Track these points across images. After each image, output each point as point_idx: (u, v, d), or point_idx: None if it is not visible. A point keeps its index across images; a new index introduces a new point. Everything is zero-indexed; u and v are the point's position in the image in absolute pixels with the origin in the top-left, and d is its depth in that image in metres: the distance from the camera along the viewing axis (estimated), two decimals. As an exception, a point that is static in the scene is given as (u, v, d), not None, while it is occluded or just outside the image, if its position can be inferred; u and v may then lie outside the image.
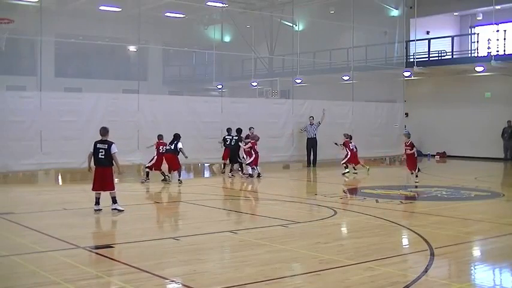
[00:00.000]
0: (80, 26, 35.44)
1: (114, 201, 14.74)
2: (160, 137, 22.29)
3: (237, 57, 40.96)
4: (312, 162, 28.99)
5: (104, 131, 14.96)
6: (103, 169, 14.69)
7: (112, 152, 14.68)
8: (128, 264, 9.50)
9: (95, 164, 14.89)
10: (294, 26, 35.63)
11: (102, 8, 36.79)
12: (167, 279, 8.80)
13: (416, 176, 21.66)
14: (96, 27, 35.75)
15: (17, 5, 33.28)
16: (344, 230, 13.81)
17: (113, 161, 14.77)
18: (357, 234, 13.06)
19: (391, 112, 34.16)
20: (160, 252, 10.59)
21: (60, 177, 25.68)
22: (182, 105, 26.52)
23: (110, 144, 14.73)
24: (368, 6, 35.91)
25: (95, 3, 36.65)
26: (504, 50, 34.29)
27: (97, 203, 14.77)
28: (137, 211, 15.62)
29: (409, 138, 22.15)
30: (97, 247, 10.99)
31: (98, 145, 14.78)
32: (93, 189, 14.74)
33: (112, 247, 11.02)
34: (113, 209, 14.70)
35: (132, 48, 38.19)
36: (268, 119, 28.23)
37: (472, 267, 10.06)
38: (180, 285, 8.53)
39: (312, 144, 28.97)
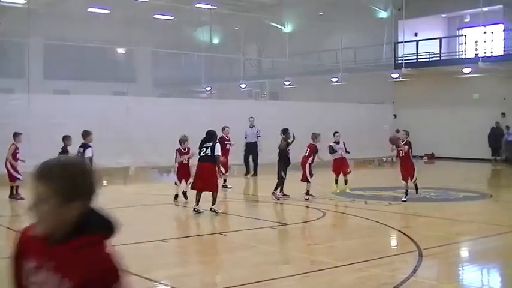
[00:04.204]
0: (69, 28, 35.32)
1: None
2: (184, 139, 17.49)
3: (226, 59, 40.98)
4: (253, 169, 25.21)
5: (84, 133, 14.89)
6: None
7: (85, 156, 14.50)
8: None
9: None
10: (283, 28, 35.70)
11: (90, 10, 36.74)
12: (156, 281, 8.80)
13: (417, 189, 17.47)
14: (85, 29, 35.63)
15: (4, 7, 33.16)
16: (333, 231, 13.85)
17: None
18: (346, 236, 13.11)
19: (379, 113, 34.23)
20: (149, 255, 10.58)
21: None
22: (171, 108, 26.49)
23: (85, 147, 14.64)
24: (357, 8, 36.03)
25: (84, 5, 36.59)
26: (491, 52, 34.44)
27: None
28: (122, 214, 15.54)
29: (407, 136, 18.20)
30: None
31: (79, 148, 14.77)
32: None
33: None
34: None
35: (121, 50, 38.16)
36: (258, 121, 28.22)
37: (461, 268, 10.12)
38: (169, 287, 8.53)
39: (250, 149, 24.90)
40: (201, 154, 14.68)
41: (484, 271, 10.05)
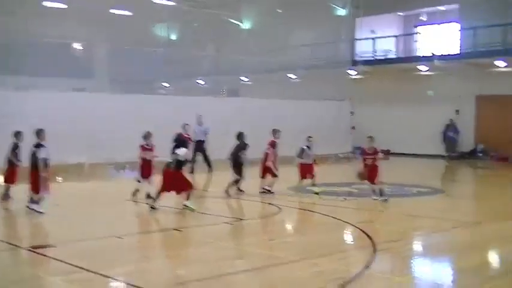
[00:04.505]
0: (25, 23, 34.85)
1: (32, 201, 14.27)
2: (148, 135, 17.17)
3: (185, 55, 40.84)
4: (208, 165, 24.73)
5: (38, 132, 14.48)
6: (35, 172, 14.22)
7: (39, 157, 14.14)
8: (71, 264, 9.40)
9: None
10: (242, 24, 35.74)
11: (45, 3, 36.20)
12: (113, 278, 8.77)
13: (382, 194, 16.60)
14: (41, 25, 35.19)
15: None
16: (289, 227, 13.95)
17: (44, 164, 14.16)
18: (301, 231, 13.22)
19: (337, 110, 34.46)
20: (105, 251, 10.54)
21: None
22: (129, 104, 26.32)
23: (39, 147, 14.23)
24: (315, 5, 36.16)
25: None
26: (447, 50, 34.97)
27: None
28: (78, 210, 15.47)
29: (372, 142, 17.15)
30: (38, 247, 10.71)
31: (32, 148, 14.37)
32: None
33: (54, 247, 10.86)
34: (31, 208, 14.25)
35: (78, 46, 37.77)
36: (216, 118, 28.21)
37: (413, 262, 10.29)
38: (126, 284, 8.52)
39: (198, 147, 24.13)
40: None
41: (436, 265, 10.23)
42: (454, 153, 34.45)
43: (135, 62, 45.20)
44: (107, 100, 26.28)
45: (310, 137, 18.56)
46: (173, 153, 14.61)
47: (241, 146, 17.72)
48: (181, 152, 14.57)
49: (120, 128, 23.51)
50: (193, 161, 23.71)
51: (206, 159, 24.70)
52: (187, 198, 14.53)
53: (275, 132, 18.52)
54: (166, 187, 14.50)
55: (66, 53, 38.80)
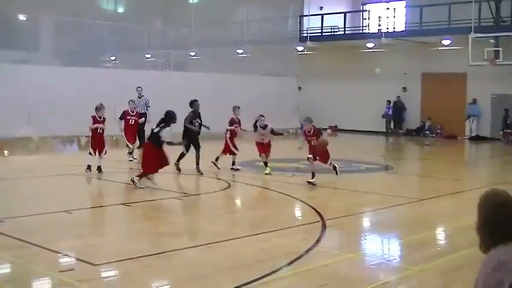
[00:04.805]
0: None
1: None
2: (100, 107, 16.91)
3: (131, 28, 40.26)
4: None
5: None
6: None
7: None
8: (18, 239, 9.20)
9: None
10: (190, -2, 35.39)
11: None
12: (60, 253, 8.61)
13: (335, 169, 16.07)
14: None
15: None
16: (238, 202, 13.92)
17: None
18: (250, 207, 13.19)
19: (284, 86, 34.50)
20: (52, 226, 10.36)
21: None
22: (74, 77, 25.89)
23: None
24: (264, -20, 36.03)
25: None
26: (394, 28, 35.28)
27: None
28: (26, 184, 15.20)
29: (311, 123, 16.31)
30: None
31: None
32: None
33: (1, 222, 10.60)
34: None
35: (22, 17, 36.86)
36: (163, 92, 27.93)
37: (362, 238, 10.35)
38: (73, 258, 8.37)
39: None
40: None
41: (384, 240, 10.32)
42: (392, 130, 35.13)
43: (81, 35, 44.41)
44: (52, 73, 25.78)
45: (262, 115, 17.90)
46: (158, 129, 14.15)
47: (197, 114, 17.30)
48: (166, 131, 14.12)
49: (66, 101, 23.07)
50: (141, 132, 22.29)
51: (140, 133, 22.59)
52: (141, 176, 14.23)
53: (234, 109, 18.52)
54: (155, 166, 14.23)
55: (9, 25, 37.87)
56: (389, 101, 35.20)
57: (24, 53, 28.17)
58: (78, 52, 44.09)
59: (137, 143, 20.25)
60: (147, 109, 22.39)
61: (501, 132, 31.47)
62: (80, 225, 10.70)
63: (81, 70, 27.62)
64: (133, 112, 19.77)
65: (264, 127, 17.50)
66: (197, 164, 16.85)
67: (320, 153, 15.79)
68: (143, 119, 20.76)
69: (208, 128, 17.70)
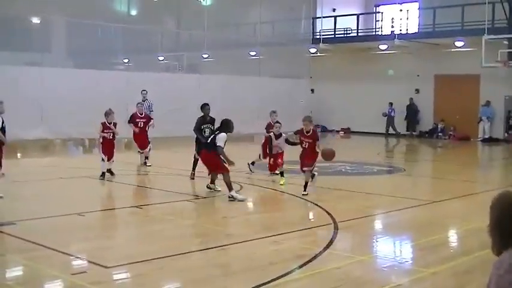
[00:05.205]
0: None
1: None
2: (109, 112, 16.65)
3: (144, 30, 40.35)
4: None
5: None
6: None
7: None
8: (31, 241, 9.24)
9: None
10: (202, 0, 35.40)
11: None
12: (72, 255, 8.64)
13: (312, 177, 14.83)
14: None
15: None
16: (250, 204, 13.88)
17: None
18: (263, 209, 13.18)
19: (297, 88, 34.47)
20: (65, 229, 10.39)
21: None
22: (87, 79, 25.96)
23: None
24: (277, -18, 36.03)
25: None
26: (407, 29, 35.20)
27: None
28: (38, 187, 15.25)
29: (311, 123, 14.60)
30: (-2, 224, 10.56)
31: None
32: None
33: (13, 224, 10.69)
34: None
35: (35, 19, 37.01)
36: (175, 94, 27.99)
37: (374, 240, 10.32)
38: (85, 261, 8.40)
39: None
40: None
41: (396, 242, 10.29)
42: (395, 131, 35.10)
43: (94, 37, 44.55)
44: (64, 75, 25.89)
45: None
46: (213, 135, 13.48)
47: (207, 120, 15.90)
48: (221, 137, 13.25)
49: (78, 103, 23.15)
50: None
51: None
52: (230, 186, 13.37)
53: (272, 113, 17.60)
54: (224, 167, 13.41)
55: (22, 27, 38.04)
56: (391, 103, 35.15)
57: (37, 55, 28.27)
58: (91, 54, 44.28)
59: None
60: (150, 113, 22.16)
61: (506, 134, 31.83)
62: (92, 228, 10.74)
63: (93, 72, 27.72)
64: (141, 114, 19.54)
65: (279, 136, 16.19)
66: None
67: (309, 158, 14.12)
68: (152, 121, 20.50)
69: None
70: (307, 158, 14.10)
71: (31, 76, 24.33)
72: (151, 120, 20.48)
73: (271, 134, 16.49)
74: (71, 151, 24.49)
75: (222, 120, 13.72)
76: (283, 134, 16.19)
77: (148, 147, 19.48)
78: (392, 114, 35.45)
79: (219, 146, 12.98)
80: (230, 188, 13.22)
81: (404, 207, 12.96)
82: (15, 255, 8.70)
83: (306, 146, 14.15)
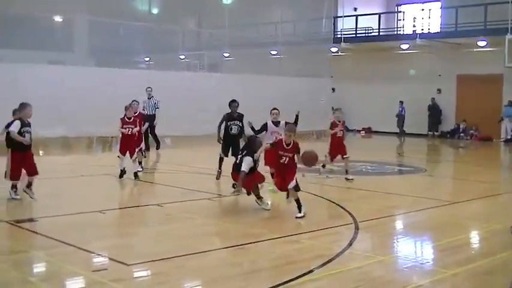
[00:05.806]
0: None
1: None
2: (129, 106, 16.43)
3: (165, 29, 40.46)
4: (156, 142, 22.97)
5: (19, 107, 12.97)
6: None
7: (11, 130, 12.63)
8: (52, 238, 9.33)
9: None
10: (223, -1, 35.49)
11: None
12: (93, 252, 8.69)
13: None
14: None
15: None
16: (270, 203, 13.87)
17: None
18: (282, 208, 13.15)
19: (318, 87, 34.41)
20: (86, 226, 10.45)
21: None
22: (109, 78, 26.06)
23: (11, 122, 12.74)
24: (298, -19, 35.99)
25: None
26: (429, 29, 35.02)
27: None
28: (59, 184, 15.36)
29: (291, 133, 12.10)
30: (19, 221, 10.66)
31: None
32: None
33: (35, 221, 10.80)
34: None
35: (57, 18, 37.22)
36: (196, 93, 28.04)
37: (395, 241, 10.28)
38: (106, 258, 8.44)
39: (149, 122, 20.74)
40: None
41: (417, 243, 10.24)
42: (400, 130, 35.01)
43: (115, 36, 44.70)
44: (86, 73, 26.03)
45: (275, 109, 16.18)
46: (241, 156, 12.41)
47: (234, 117, 15.59)
48: (247, 161, 12.14)
49: (100, 102, 23.25)
50: (146, 137, 21.09)
51: (153, 135, 22.82)
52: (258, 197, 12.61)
53: (335, 111, 17.38)
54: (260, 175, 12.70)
55: (45, 26, 38.29)
56: (401, 102, 35.08)
57: (60, 53, 28.45)
58: (113, 53, 44.44)
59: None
60: (155, 110, 22.20)
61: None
62: (112, 225, 10.81)
63: (115, 71, 27.85)
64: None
65: (277, 123, 15.40)
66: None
67: (290, 172, 12.04)
68: (147, 124, 19.38)
69: (253, 128, 14.55)
70: (289, 173, 11.91)
71: (54, 74, 24.48)
72: (153, 119, 20.35)
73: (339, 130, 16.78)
74: (93, 149, 24.61)
75: (248, 138, 13.04)
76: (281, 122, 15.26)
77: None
78: (402, 113, 35.33)
79: (243, 171, 12.01)
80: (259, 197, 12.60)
81: (425, 207, 12.90)
82: (38, 252, 8.78)
83: (285, 162, 11.94)
